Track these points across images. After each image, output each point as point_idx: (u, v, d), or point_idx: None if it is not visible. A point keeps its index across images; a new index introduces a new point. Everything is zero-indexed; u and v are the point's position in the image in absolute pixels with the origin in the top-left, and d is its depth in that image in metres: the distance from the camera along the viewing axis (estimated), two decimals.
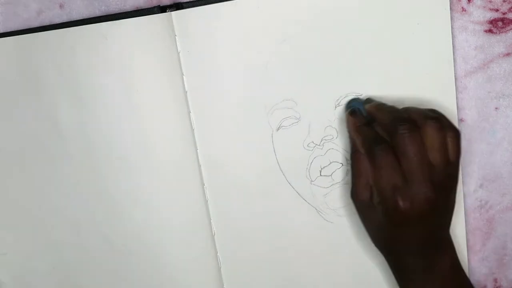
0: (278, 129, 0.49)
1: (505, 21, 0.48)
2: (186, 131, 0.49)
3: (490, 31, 0.48)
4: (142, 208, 0.51)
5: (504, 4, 0.47)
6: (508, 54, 0.48)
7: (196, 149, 0.50)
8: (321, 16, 0.47)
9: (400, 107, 0.45)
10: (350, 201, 0.46)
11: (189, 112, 0.49)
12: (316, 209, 0.50)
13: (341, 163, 0.49)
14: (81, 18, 0.50)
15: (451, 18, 0.47)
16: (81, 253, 0.53)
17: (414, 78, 0.48)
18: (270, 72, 0.48)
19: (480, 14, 0.47)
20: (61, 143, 0.51)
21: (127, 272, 0.53)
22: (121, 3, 0.49)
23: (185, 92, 0.49)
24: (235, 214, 0.51)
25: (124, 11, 0.49)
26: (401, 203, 0.40)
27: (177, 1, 0.48)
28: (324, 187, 0.50)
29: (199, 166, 0.50)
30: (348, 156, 0.49)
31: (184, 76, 0.48)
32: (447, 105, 0.48)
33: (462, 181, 0.50)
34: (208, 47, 0.48)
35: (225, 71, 0.48)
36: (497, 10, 0.47)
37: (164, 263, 0.52)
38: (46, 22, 0.50)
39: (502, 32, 0.48)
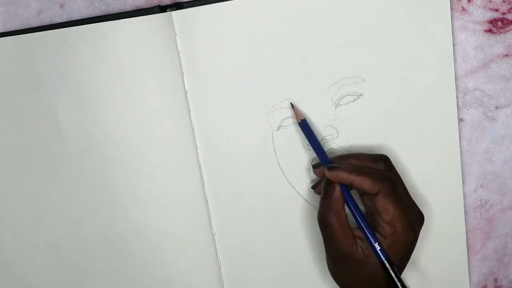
0: (278, 129, 0.49)
1: (504, 22, 0.48)
2: (186, 131, 0.49)
3: (490, 31, 0.48)
4: (142, 208, 0.51)
5: (503, 4, 0.47)
6: (507, 55, 0.48)
7: (196, 149, 0.50)
8: (321, 16, 0.47)
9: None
10: None
11: (189, 112, 0.49)
12: (316, 209, 0.50)
13: None
14: (81, 17, 0.50)
15: (451, 18, 0.47)
16: (81, 253, 0.53)
17: (414, 78, 0.48)
18: (270, 72, 0.48)
19: (480, 14, 0.48)
20: (61, 143, 0.50)
21: (127, 272, 0.53)
22: (121, 3, 0.49)
23: (185, 92, 0.49)
24: (235, 214, 0.51)
25: (124, 10, 0.49)
26: (417, 231, 0.44)
27: (178, 1, 0.48)
28: None
29: (199, 166, 0.50)
30: None
31: (184, 76, 0.48)
32: (447, 105, 0.48)
33: (462, 181, 0.50)
34: (208, 47, 0.48)
35: (225, 71, 0.48)
36: (496, 10, 0.48)
37: (164, 263, 0.52)
38: (47, 22, 0.50)
39: (502, 32, 0.48)
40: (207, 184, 0.50)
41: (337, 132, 0.49)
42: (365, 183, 0.43)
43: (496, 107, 0.49)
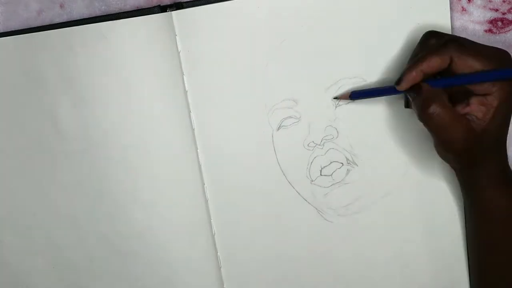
0: (278, 129, 0.49)
1: (504, 21, 0.48)
2: (186, 131, 0.49)
3: (490, 31, 0.48)
4: (142, 208, 0.51)
5: (503, 4, 0.47)
6: None
7: (196, 149, 0.50)
8: (321, 16, 0.47)
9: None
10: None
11: (189, 112, 0.49)
12: (316, 209, 0.50)
13: (341, 163, 0.49)
14: (81, 17, 0.50)
15: (451, 18, 0.47)
16: (81, 253, 0.53)
17: None
18: (270, 72, 0.48)
19: (480, 14, 0.48)
20: (61, 143, 0.51)
21: (127, 272, 0.53)
22: (121, 3, 0.49)
23: (185, 92, 0.49)
24: (235, 214, 0.51)
25: (125, 10, 0.49)
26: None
27: (178, 1, 0.48)
28: (325, 187, 0.50)
29: (199, 166, 0.50)
30: (349, 156, 0.49)
31: (184, 76, 0.48)
32: None
33: None
34: (208, 47, 0.48)
35: (225, 71, 0.48)
36: (496, 10, 0.48)
37: (164, 263, 0.52)
38: (47, 22, 0.50)
39: (502, 32, 0.48)
40: (207, 184, 0.50)
41: (337, 132, 0.49)
42: (432, 62, 0.41)
43: None
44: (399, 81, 0.42)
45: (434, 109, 0.41)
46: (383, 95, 0.47)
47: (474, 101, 0.41)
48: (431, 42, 0.43)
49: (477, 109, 0.41)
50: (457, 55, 0.40)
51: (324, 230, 0.51)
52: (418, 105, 0.42)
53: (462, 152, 0.42)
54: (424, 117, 0.41)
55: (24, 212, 0.53)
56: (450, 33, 0.47)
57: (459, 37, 0.43)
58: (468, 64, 0.40)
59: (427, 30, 0.44)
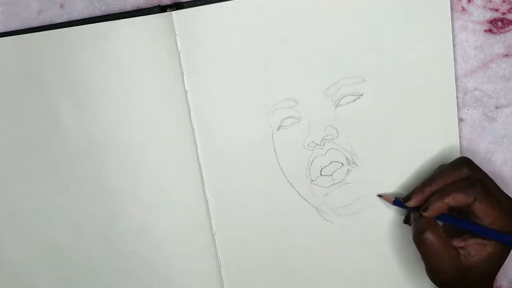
0: (278, 129, 0.49)
1: (504, 21, 0.48)
2: (186, 131, 0.49)
3: (490, 31, 0.48)
4: (142, 207, 0.51)
5: (503, 4, 0.47)
6: (507, 55, 0.48)
7: (196, 149, 0.50)
8: (321, 16, 0.47)
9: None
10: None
11: (189, 112, 0.49)
12: (316, 209, 0.50)
13: (341, 163, 0.49)
14: (81, 17, 0.50)
15: (451, 18, 0.47)
16: (81, 253, 0.53)
17: (414, 78, 0.48)
18: (270, 72, 0.48)
19: (480, 14, 0.48)
20: (61, 143, 0.51)
21: (127, 272, 0.53)
22: (121, 3, 0.49)
23: (185, 92, 0.49)
24: (235, 214, 0.51)
25: (125, 10, 0.49)
26: None
27: (178, 1, 0.48)
28: (325, 187, 0.50)
29: (199, 166, 0.50)
30: (349, 156, 0.49)
31: (184, 76, 0.48)
32: (447, 105, 0.48)
33: None
34: (208, 47, 0.48)
35: (225, 71, 0.48)
36: (496, 10, 0.48)
37: (164, 263, 0.52)
38: (47, 22, 0.50)
39: (502, 32, 0.48)
40: (207, 184, 0.50)
41: (337, 132, 0.49)
42: (458, 198, 0.42)
43: (496, 107, 0.49)
44: (425, 208, 0.44)
45: (428, 235, 0.43)
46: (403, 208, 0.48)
47: (471, 240, 0.43)
48: (463, 172, 0.44)
49: (471, 247, 0.43)
50: (479, 200, 0.42)
51: (324, 230, 0.51)
52: (415, 227, 0.45)
53: (445, 283, 0.44)
54: (417, 239, 0.44)
55: (24, 212, 0.53)
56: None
57: (487, 182, 0.44)
58: (482, 211, 0.42)
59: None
